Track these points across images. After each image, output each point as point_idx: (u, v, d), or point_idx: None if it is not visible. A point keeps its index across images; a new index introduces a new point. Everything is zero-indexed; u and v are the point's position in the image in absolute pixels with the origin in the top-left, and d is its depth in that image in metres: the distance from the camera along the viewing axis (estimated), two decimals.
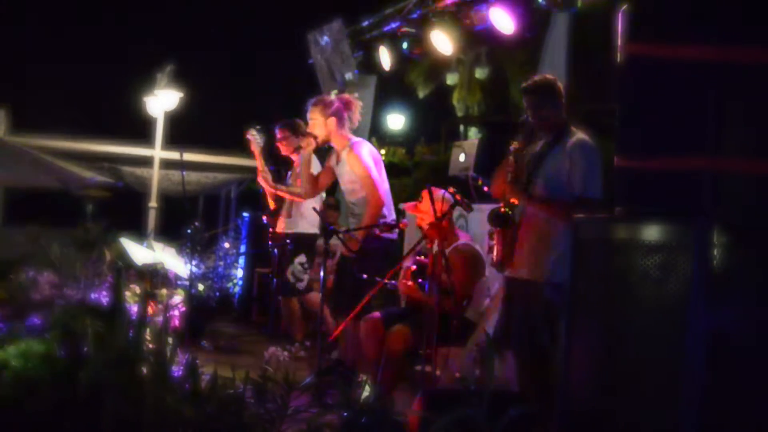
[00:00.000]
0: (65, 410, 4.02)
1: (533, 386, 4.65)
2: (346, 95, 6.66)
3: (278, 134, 7.87)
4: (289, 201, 7.75)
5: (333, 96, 6.72)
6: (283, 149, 7.88)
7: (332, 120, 6.40)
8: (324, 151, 7.03)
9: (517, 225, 4.89)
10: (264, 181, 7.67)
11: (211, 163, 14.73)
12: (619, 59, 3.59)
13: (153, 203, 14.30)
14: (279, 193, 7.72)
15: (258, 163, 7.65)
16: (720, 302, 3.07)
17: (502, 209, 4.82)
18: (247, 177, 15.54)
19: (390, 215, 6.41)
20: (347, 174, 6.40)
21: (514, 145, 4.89)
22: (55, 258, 5.87)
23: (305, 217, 7.76)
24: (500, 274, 5.21)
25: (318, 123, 6.43)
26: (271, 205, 8.00)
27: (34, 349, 4.63)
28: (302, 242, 7.79)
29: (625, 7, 3.56)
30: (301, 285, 7.71)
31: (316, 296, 7.65)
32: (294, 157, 7.81)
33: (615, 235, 3.41)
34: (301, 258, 7.68)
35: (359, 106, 6.61)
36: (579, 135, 4.84)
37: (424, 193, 5.78)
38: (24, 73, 18.55)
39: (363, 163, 6.27)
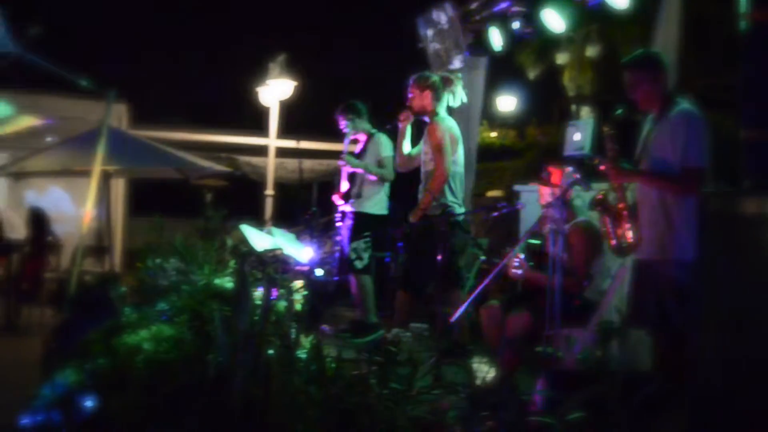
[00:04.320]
0: (195, 391, 4.14)
1: (667, 366, 4.57)
2: (447, 75, 7.00)
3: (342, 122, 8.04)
4: (359, 182, 7.85)
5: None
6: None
7: (428, 93, 6.74)
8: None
9: (629, 207, 4.85)
10: (349, 161, 7.87)
11: (325, 150, 14.92)
12: (743, 28, 3.48)
13: (269, 191, 14.57)
14: (367, 172, 7.81)
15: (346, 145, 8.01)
16: None
17: (599, 195, 4.87)
18: None
19: (450, 196, 6.69)
20: (425, 144, 6.76)
21: (605, 130, 4.88)
22: (180, 246, 6.03)
23: (371, 198, 7.84)
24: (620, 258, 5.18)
25: (415, 96, 6.80)
26: (344, 186, 8.05)
27: (165, 333, 4.79)
28: (367, 222, 7.86)
29: None
30: (360, 263, 7.78)
31: (367, 279, 7.83)
32: (361, 137, 7.99)
33: (744, 209, 3.32)
34: (365, 237, 7.78)
35: (459, 85, 6.97)
36: (683, 105, 4.74)
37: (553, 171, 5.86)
38: (142, 68, 19.10)
39: (437, 135, 6.61)
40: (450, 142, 6.69)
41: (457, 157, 6.80)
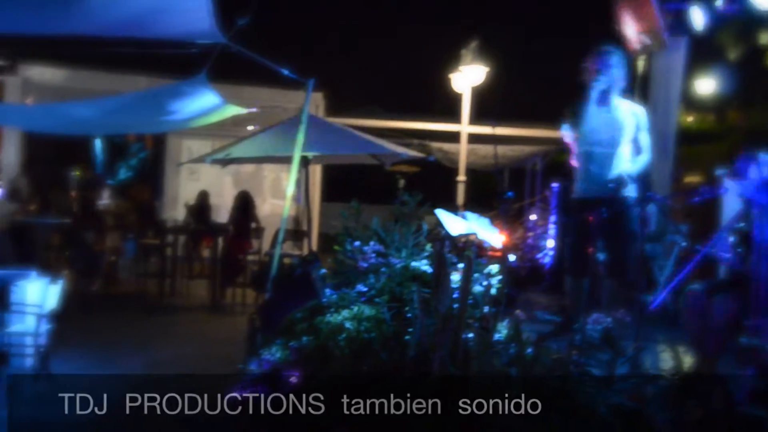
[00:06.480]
0: (395, 369, 4.26)
1: None
2: None
3: None
4: None
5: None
6: None
7: (621, 71, 6.49)
8: None
9: None
10: None
11: (517, 136, 14.83)
12: None
13: (461, 177, 14.66)
14: None
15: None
16: None
17: None
18: (552, 149, 15.46)
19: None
20: (620, 120, 6.43)
21: None
22: (378, 229, 6.18)
23: None
24: None
25: (615, 70, 6.49)
26: None
27: (365, 313, 4.94)
28: None
29: None
30: None
31: None
32: None
33: None
34: None
35: None
36: None
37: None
38: (338, 57, 19.62)
39: (645, 117, 6.45)
40: None
41: None
